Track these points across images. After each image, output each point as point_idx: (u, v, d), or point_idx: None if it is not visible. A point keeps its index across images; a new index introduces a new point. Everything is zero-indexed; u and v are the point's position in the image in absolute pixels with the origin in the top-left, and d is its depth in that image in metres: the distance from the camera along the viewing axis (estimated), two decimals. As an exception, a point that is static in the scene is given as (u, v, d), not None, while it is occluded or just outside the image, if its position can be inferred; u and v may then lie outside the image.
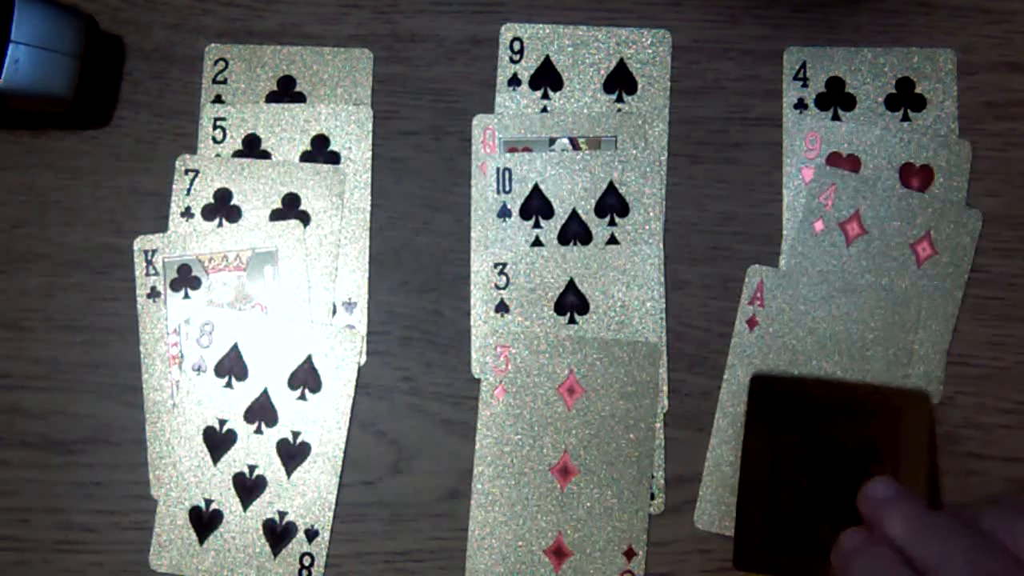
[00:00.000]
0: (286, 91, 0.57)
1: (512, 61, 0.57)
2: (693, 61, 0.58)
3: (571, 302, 0.55)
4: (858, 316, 0.55)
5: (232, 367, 0.54)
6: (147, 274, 0.55)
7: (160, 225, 0.56)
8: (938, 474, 0.53)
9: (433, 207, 0.57)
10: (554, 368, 0.54)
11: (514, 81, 0.57)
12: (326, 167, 0.56)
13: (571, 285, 0.55)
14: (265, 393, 0.54)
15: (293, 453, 0.54)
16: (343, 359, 0.55)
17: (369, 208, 0.56)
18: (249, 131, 0.57)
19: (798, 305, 0.55)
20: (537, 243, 0.56)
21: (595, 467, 0.54)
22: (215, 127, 0.57)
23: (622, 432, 0.54)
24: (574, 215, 0.56)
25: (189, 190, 0.56)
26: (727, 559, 0.52)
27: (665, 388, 0.55)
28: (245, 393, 0.54)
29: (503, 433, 0.54)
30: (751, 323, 0.55)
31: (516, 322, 0.55)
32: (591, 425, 0.54)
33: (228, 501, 0.53)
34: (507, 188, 0.56)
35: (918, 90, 0.57)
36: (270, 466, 0.54)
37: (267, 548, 0.53)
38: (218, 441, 0.54)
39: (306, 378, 0.54)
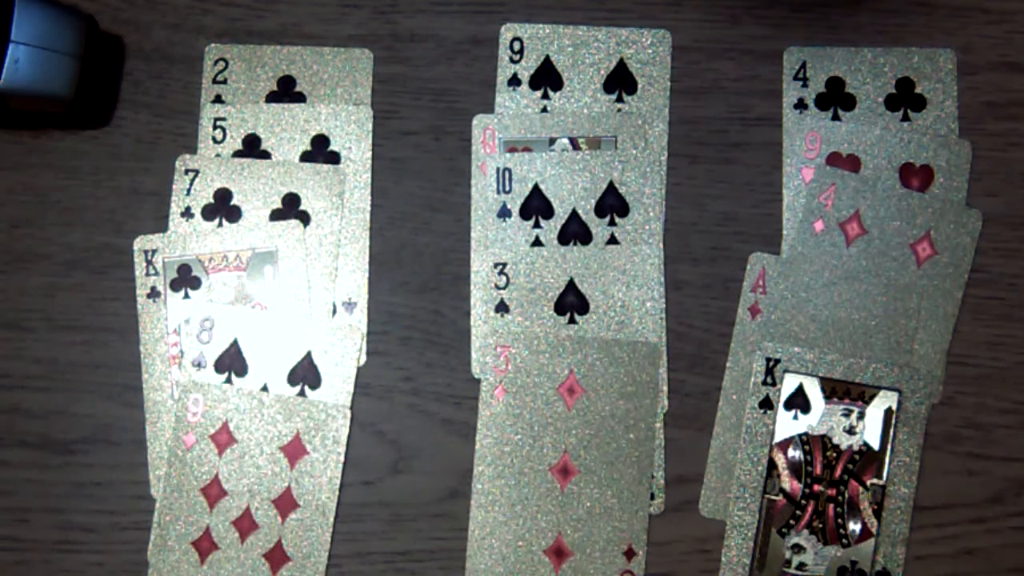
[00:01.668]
0: (286, 91, 0.58)
1: (512, 61, 0.57)
2: (693, 61, 0.58)
3: (571, 302, 0.55)
4: (860, 303, 0.55)
5: (232, 363, 0.54)
6: (147, 274, 0.55)
7: (160, 225, 0.56)
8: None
9: (433, 207, 0.57)
10: (554, 368, 0.54)
11: (514, 81, 0.57)
12: (326, 167, 0.56)
13: (571, 285, 0.55)
14: (265, 390, 0.54)
15: (293, 453, 0.54)
16: (342, 355, 0.55)
17: (369, 208, 0.56)
18: (249, 131, 0.57)
19: (799, 292, 0.55)
20: (537, 243, 0.56)
21: (595, 467, 0.54)
22: (215, 127, 0.57)
23: (622, 432, 0.54)
24: (574, 215, 0.56)
25: (189, 190, 0.56)
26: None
27: (665, 388, 0.55)
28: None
29: (503, 433, 0.54)
30: (753, 311, 0.55)
31: (516, 322, 0.55)
32: (591, 425, 0.54)
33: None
34: (507, 188, 0.56)
35: (918, 90, 0.57)
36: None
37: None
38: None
39: (305, 374, 0.54)
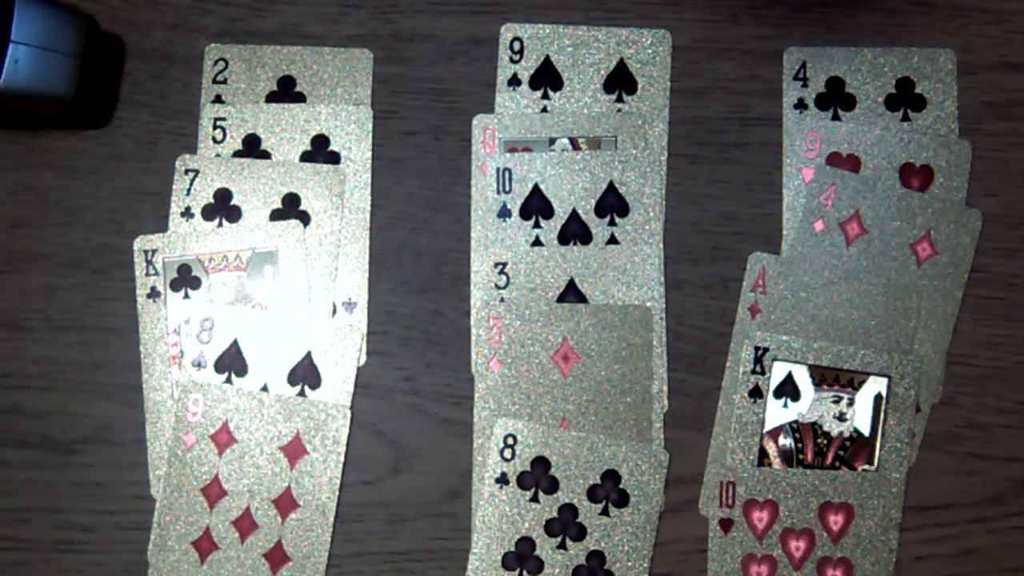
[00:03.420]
0: (286, 91, 0.58)
1: (512, 61, 0.57)
2: (693, 61, 0.58)
3: (571, 302, 0.55)
4: (859, 303, 0.55)
5: (232, 363, 0.54)
6: (147, 274, 0.55)
7: (160, 225, 0.56)
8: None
9: (433, 207, 0.57)
10: (548, 336, 0.54)
11: (514, 81, 0.57)
12: (326, 167, 0.56)
13: (571, 285, 0.55)
14: (265, 390, 0.54)
15: (293, 453, 0.54)
16: (342, 355, 0.55)
17: (369, 208, 0.56)
18: (249, 131, 0.57)
19: (799, 292, 0.55)
20: (537, 243, 0.56)
21: (593, 432, 0.54)
22: (215, 127, 0.57)
23: (618, 396, 0.54)
24: (574, 215, 0.56)
25: (189, 190, 0.56)
26: (727, 559, 0.52)
27: (665, 388, 0.55)
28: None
29: (500, 404, 0.54)
30: (753, 311, 0.55)
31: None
32: (587, 391, 0.54)
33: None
34: (507, 188, 0.56)
35: (918, 90, 0.57)
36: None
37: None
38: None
39: (305, 374, 0.54)
